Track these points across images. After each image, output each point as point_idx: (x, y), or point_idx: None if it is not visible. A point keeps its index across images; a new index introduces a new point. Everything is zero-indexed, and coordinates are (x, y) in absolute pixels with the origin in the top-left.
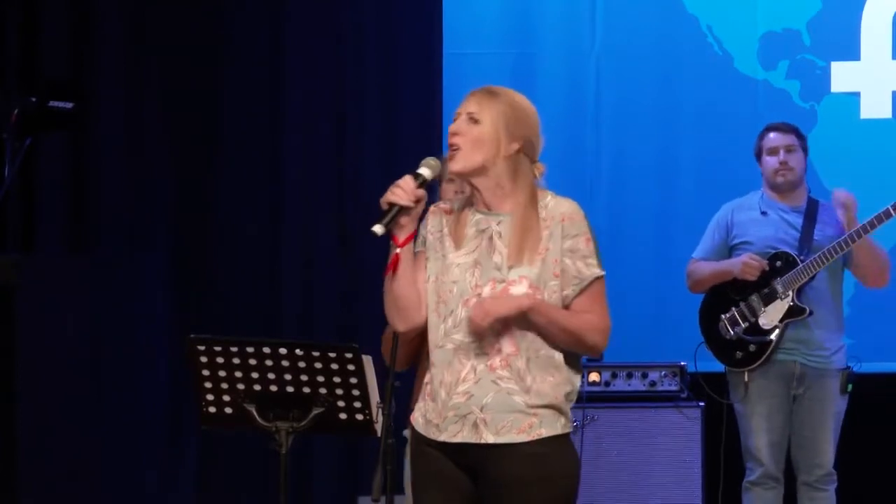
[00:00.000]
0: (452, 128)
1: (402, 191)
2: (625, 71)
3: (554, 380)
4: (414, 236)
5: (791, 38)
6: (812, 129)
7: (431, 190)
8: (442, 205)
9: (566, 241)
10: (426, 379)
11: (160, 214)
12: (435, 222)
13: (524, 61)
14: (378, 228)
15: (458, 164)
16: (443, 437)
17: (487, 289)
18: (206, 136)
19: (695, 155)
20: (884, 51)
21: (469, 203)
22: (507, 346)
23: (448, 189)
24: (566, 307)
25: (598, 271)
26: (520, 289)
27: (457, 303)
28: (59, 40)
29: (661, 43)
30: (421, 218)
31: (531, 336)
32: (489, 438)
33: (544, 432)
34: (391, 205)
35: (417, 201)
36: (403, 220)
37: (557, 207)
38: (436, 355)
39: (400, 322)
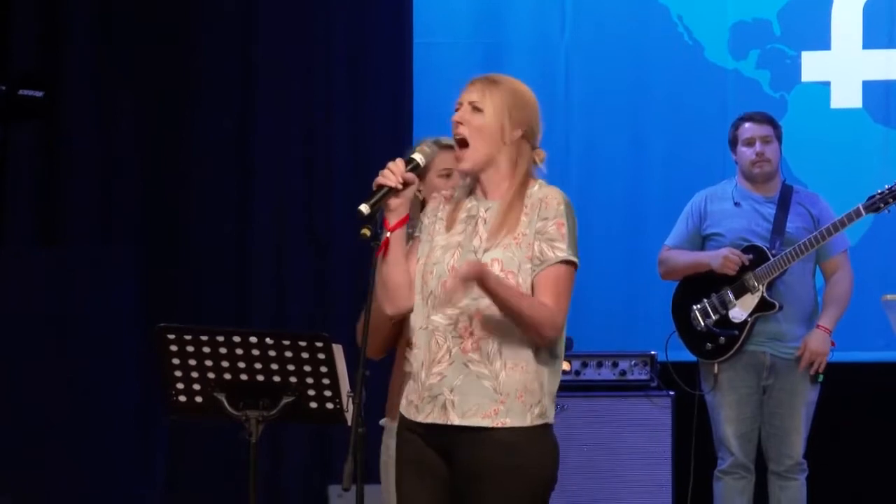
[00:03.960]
0: (456, 117)
1: (392, 173)
2: (595, 61)
3: (525, 369)
4: (406, 221)
5: (761, 28)
6: (782, 118)
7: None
8: (445, 192)
9: (538, 223)
10: (411, 359)
11: (130, 207)
12: (433, 207)
13: (494, 51)
14: (364, 208)
15: (467, 164)
16: (419, 418)
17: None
18: (176, 127)
19: (665, 145)
20: (854, 40)
21: (470, 191)
22: (478, 329)
23: (439, 183)
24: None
25: (562, 255)
26: (492, 270)
27: (435, 284)
28: (30, 29)
29: (632, 33)
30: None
31: (505, 321)
32: (455, 420)
33: (509, 422)
34: (380, 186)
35: (406, 185)
36: (393, 203)
37: (538, 194)
38: (418, 336)
39: (388, 305)
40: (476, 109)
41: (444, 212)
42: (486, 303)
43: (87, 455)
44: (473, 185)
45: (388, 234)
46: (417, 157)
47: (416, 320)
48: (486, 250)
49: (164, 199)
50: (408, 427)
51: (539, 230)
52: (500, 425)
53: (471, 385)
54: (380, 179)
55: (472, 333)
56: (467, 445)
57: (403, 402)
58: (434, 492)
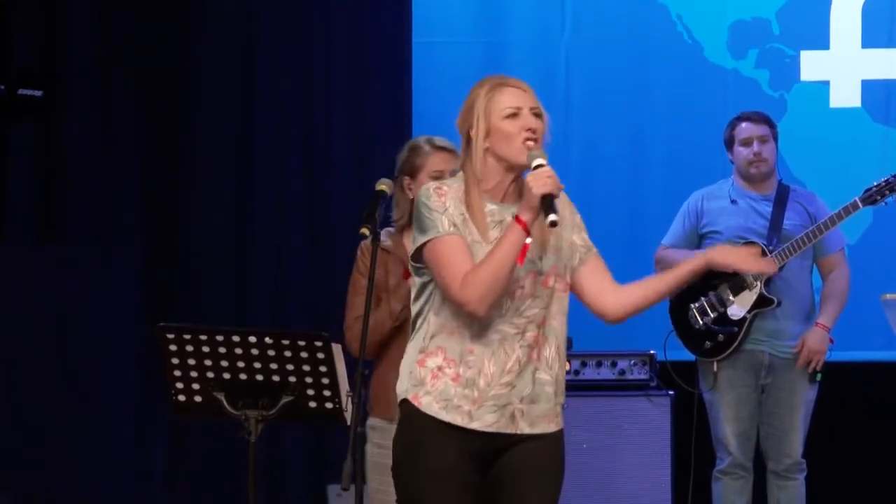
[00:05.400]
0: (532, 124)
1: (554, 180)
2: (595, 60)
3: (563, 369)
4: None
5: (760, 27)
6: (782, 117)
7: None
8: (445, 187)
9: (570, 217)
10: (438, 363)
11: (129, 206)
12: (456, 205)
13: (494, 50)
14: (556, 217)
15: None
16: (474, 425)
17: (529, 281)
18: (176, 127)
19: (664, 143)
20: (853, 40)
21: (468, 189)
22: (542, 336)
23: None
24: (573, 275)
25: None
26: (551, 280)
27: (504, 294)
28: (29, 29)
29: (631, 32)
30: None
31: (556, 324)
32: (525, 429)
33: (561, 422)
34: (548, 195)
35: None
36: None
37: None
38: (477, 344)
39: (486, 307)
40: (537, 115)
41: (466, 213)
42: (552, 310)
43: (87, 455)
44: (504, 187)
45: (529, 240)
46: (543, 160)
47: (471, 329)
48: (541, 259)
49: (165, 198)
50: (440, 424)
51: (573, 224)
52: (558, 428)
53: (539, 393)
54: (545, 189)
55: (538, 342)
56: (524, 449)
57: (434, 404)
58: (458, 499)
